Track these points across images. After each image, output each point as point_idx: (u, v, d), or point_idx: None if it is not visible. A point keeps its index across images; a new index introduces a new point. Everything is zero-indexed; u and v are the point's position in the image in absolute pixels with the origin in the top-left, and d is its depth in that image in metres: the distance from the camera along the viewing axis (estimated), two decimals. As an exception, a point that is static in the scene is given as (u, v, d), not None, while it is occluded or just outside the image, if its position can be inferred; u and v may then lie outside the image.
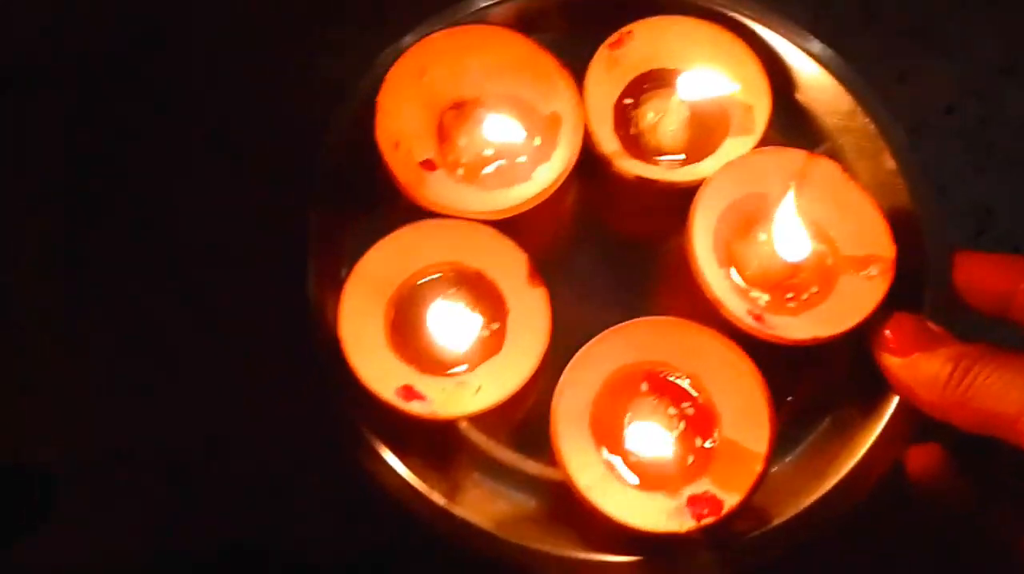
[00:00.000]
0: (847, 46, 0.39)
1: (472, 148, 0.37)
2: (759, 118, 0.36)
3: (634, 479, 0.32)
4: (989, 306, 0.33)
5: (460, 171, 0.37)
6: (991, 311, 0.33)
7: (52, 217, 0.43)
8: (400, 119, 0.36)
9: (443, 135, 0.37)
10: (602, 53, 0.37)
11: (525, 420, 0.35)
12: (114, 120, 0.44)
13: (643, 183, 0.35)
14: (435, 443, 0.34)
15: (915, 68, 0.44)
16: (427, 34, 0.37)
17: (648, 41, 0.37)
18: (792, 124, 0.38)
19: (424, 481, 0.33)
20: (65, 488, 0.39)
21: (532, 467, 0.34)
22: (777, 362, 0.33)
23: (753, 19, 0.38)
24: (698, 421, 0.33)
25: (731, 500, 0.31)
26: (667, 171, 0.36)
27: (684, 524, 0.31)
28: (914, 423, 0.33)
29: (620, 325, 0.33)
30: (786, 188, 0.35)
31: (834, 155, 0.37)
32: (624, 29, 0.37)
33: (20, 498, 0.40)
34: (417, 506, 0.32)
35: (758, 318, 0.33)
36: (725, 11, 0.38)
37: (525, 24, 0.38)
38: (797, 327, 0.33)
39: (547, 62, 0.37)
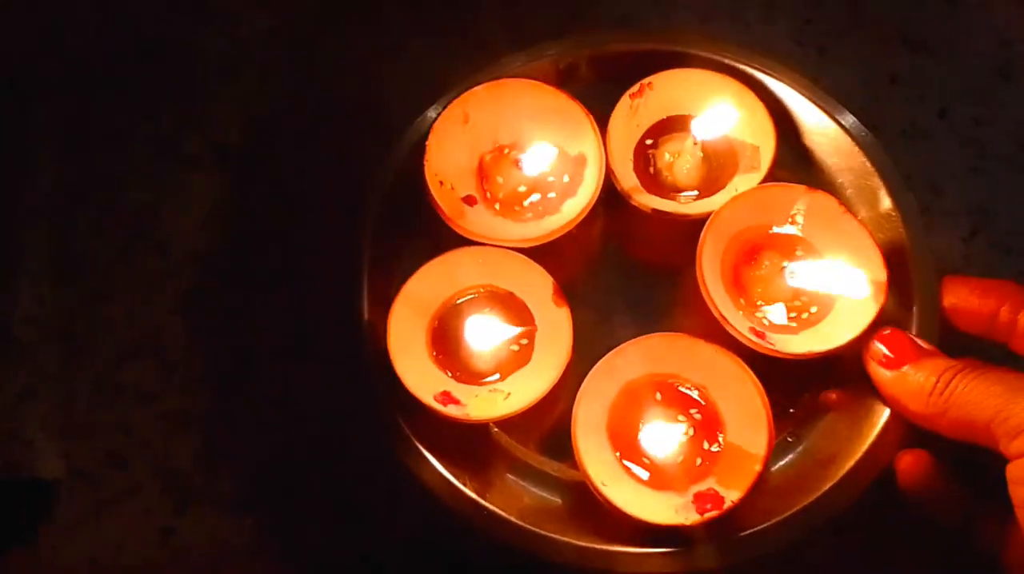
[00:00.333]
0: (836, 50, 0.40)
1: (508, 185, 0.42)
2: (764, 157, 0.40)
3: (646, 478, 0.35)
4: (975, 327, 0.36)
5: (497, 205, 0.41)
6: (977, 331, 0.36)
7: (51, 224, 0.44)
8: (445, 159, 0.41)
9: (483, 174, 0.42)
10: (624, 101, 0.41)
11: (550, 426, 0.38)
12: (115, 126, 0.45)
13: (659, 215, 0.39)
14: (469, 443, 0.38)
15: (907, 70, 0.45)
16: (471, 86, 0.42)
17: (665, 91, 0.41)
18: (796, 164, 0.41)
19: (458, 477, 0.36)
20: (62, 494, 0.40)
21: (554, 467, 0.38)
22: (780, 375, 0.36)
23: (760, 70, 0.41)
24: (705, 427, 0.36)
25: (732, 496, 0.34)
26: (680, 205, 0.40)
27: (689, 518, 0.34)
28: (904, 433, 0.35)
29: (635, 340, 0.37)
30: (787, 219, 0.38)
31: (834, 191, 0.40)
32: (644, 80, 0.41)
33: (18, 504, 0.40)
34: (452, 498, 0.36)
35: (760, 335, 0.36)
36: (735, 64, 0.42)
37: (557, 77, 0.42)
38: (796, 343, 0.36)
39: (575, 110, 0.41)
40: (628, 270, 0.41)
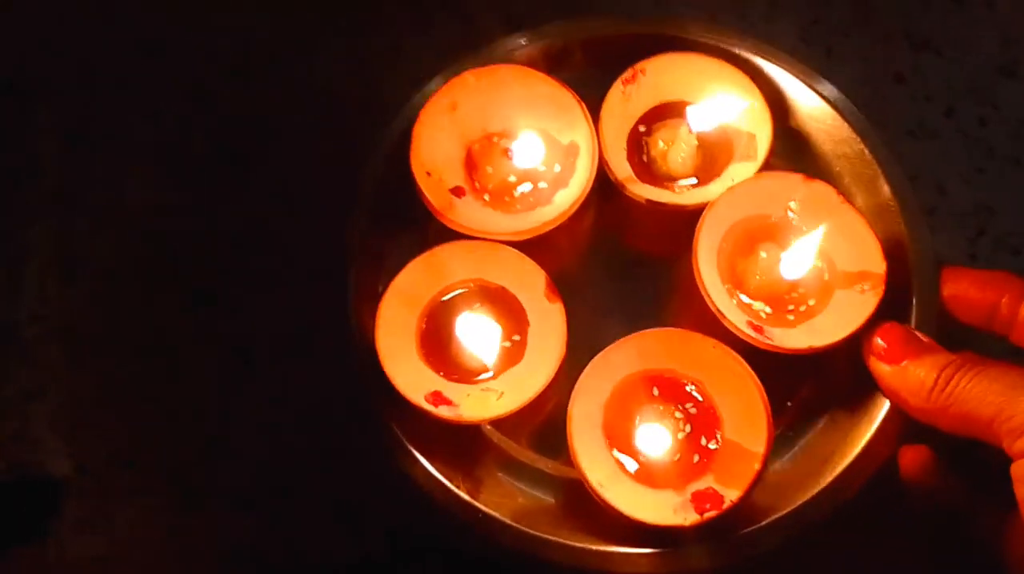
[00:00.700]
0: (843, 49, 0.40)
1: (497, 175, 0.40)
2: (761, 145, 0.39)
3: (643, 476, 0.35)
4: (974, 319, 0.35)
5: (486, 196, 0.40)
6: (977, 323, 0.35)
7: (54, 224, 0.44)
8: (433, 150, 0.39)
9: (471, 164, 0.41)
10: (617, 88, 0.40)
11: (543, 423, 0.37)
12: (115, 127, 0.45)
13: (653, 206, 0.38)
14: (461, 443, 0.37)
15: (913, 69, 0.44)
16: (458, 72, 0.40)
17: (659, 77, 0.40)
18: (792, 151, 0.40)
19: (451, 478, 0.35)
20: (69, 493, 0.40)
21: (549, 466, 0.37)
22: (778, 369, 0.36)
23: (756, 54, 0.40)
24: (702, 423, 0.36)
25: (731, 495, 0.33)
26: (675, 195, 0.39)
27: (688, 518, 0.33)
28: (903, 427, 0.35)
29: (630, 335, 0.36)
30: (784, 209, 0.38)
31: (831, 180, 0.39)
32: (637, 66, 0.40)
33: (26, 503, 0.40)
34: (445, 499, 0.35)
35: (758, 329, 0.36)
36: (730, 48, 0.41)
37: (547, 63, 0.41)
38: (794, 338, 0.35)
39: (566, 97, 0.40)
40: (622, 262, 0.40)
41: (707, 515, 0.33)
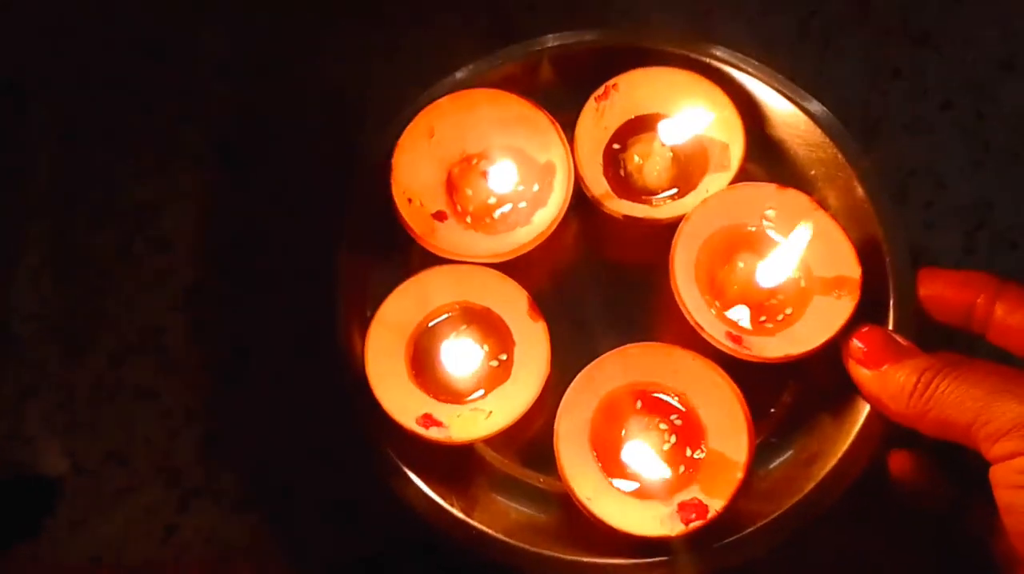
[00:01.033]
0: (840, 44, 0.39)
1: (478, 198, 0.41)
2: (734, 155, 0.39)
3: (630, 489, 0.36)
4: (952, 318, 0.35)
5: (468, 219, 0.41)
6: (954, 323, 0.36)
7: (50, 223, 0.43)
8: (413, 176, 0.40)
9: (452, 187, 0.41)
10: (590, 105, 0.41)
11: (532, 440, 0.38)
12: (111, 126, 0.45)
13: (630, 221, 0.39)
14: (453, 463, 0.38)
15: (910, 63, 0.44)
16: (434, 98, 0.41)
17: (631, 91, 0.41)
18: (768, 157, 0.41)
19: (444, 497, 0.36)
20: (64, 492, 0.40)
21: (540, 481, 0.38)
22: (760, 378, 0.36)
23: (727, 64, 0.41)
24: (687, 434, 0.36)
25: (716, 505, 0.34)
26: (651, 209, 0.39)
27: (675, 528, 0.34)
28: (885, 431, 0.35)
29: (613, 351, 0.37)
30: (760, 218, 0.38)
31: (807, 185, 0.40)
32: (609, 82, 0.41)
33: (21, 502, 0.40)
34: (439, 518, 0.36)
35: (736, 339, 0.36)
36: (701, 58, 0.41)
37: (520, 83, 0.41)
38: (772, 347, 0.36)
39: (540, 117, 0.40)
40: (603, 277, 0.41)
41: (692, 525, 0.34)
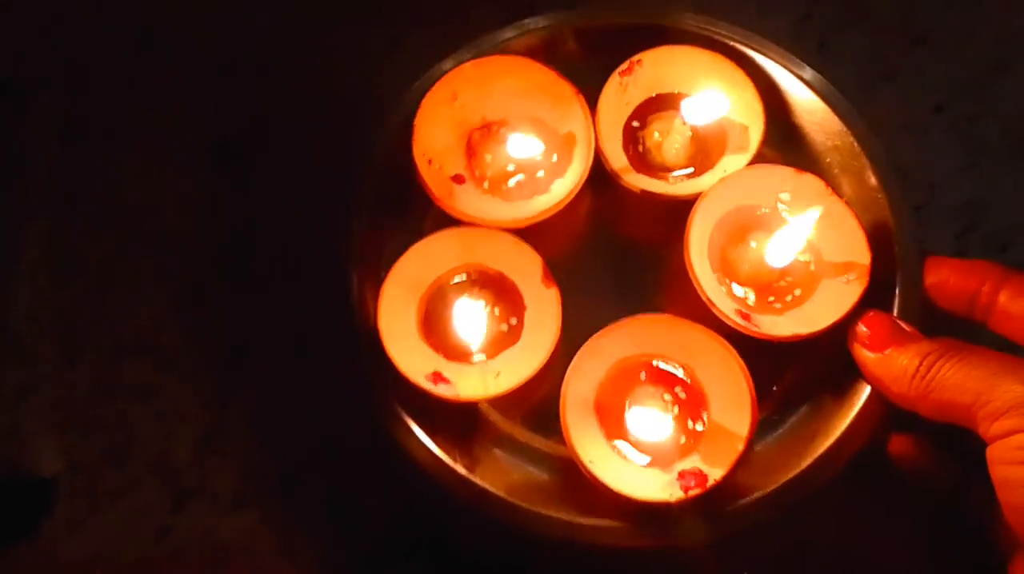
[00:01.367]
0: (836, 45, 0.40)
1: (496, 164, 0.42)
2: (753, 137, 0.40)
3: (632, 455, 0.36)
4: (956, 306, 0.36)
5: (486, 184, 0.41)
6: (958, 310, 0.36)
7: (48, 222, 0.44)
8: (433, 138, 0.41)
9: (471, 152, 0.42)
10: (613, 79, 0.41)
11: (538, 403, 0.38)
12: (111, 127, 0.45)
13: (647, 196, 0.39)
14: (459, 422, 0.38)
15: (904, 66, 0.45)
16: (459, 63, 0.41)
17: (655, 68, 0.41)
18: (785, 142, 0.41)
19: (449, 454, 0.37)
20: (61, 491, 0.40)
21: (543, 444, 0.38)
22: (765, 356, 0.37)
23: (750, 47, 0.41)
24: (690, 406, 0.37)
25: (715, 474, 0.35)
26: (668, 185, 0.40)
27: (674, 495, 0.35)
28: (884, 413, 0.36)
29: (623, 320, 0.37)
30: (775, 200, 0.39)
31: (822, 171, 0.40)
32: (634, 58, 0.41)
33: (18, 501, 0.40)
34: (443, 475, 0.37)
35: (745, 317, 0.37)
36: (725, 40, 0.42)
37: (546, 53, 0.42)
38: (780, 325, 0.37)
39: (564, 88, 0.41)
40: (617, 249, 0.42)
41: (691, 492, 0.35)
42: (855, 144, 0.40)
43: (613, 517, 0.36)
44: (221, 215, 0.45)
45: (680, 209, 0.39)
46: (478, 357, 0.38)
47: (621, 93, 0.42)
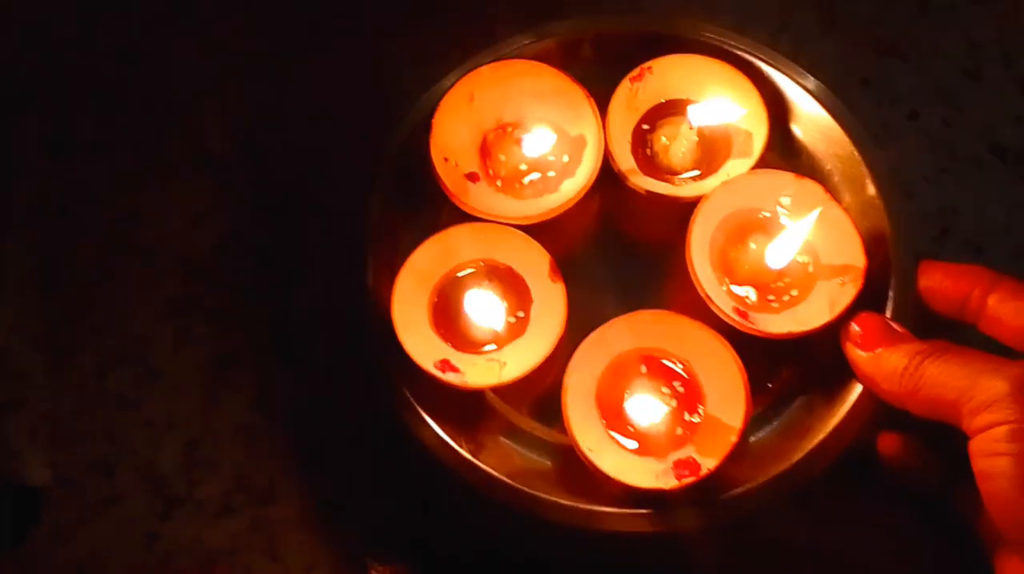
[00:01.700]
0: (810, 54, 0.41)
1: (510, 163, 0.43)
2: (757, 143, 0.41)
3: (630, 445, 0.38)
4: (948, 309, 0.37)
5: (499, 182, 0.43)
6: (949, 314, 0.38)
7: (34, 234, 0.44)
8: (450, 137, 0.42)
9: (486, 151, 0.44)
10: (624, 85, 0.43)
11: (543, 393, 0.40)
12: (96, 138, 0.46)
13: (653, 197, 0.41)
14: (466, 408, 0.40)
15: (878, 74, 0.46)
16: (477, 66, 0.43)
17: (664, 75, 0.43)
18: (787, 149, 0.43)
19: (455, 439, 0.38)
20: (49, 502, 0.41)
21: (546, 433, 0.40)
22: (762, 353, 0.38)
23: (757, 57, 0.43)
24: (687, 399, 0.38)
25: (709, 464, 0.36)
26: (673, 187, 0.42)
27: (668, 483, 0.36)
28: (875, 410, 0.37)
29: (625, 315, 0.39)
30: (775, 204, 0.40)
31: (822, 177, 0.42)
32: (644, 65, 0.43)
33: (5, 512, 0.41)
34: (449, 458, 0.38)
35: (743, 315, 0.38)
36: (732, 50, 0.43)
37: (560, 59, 0.43)
38: (776, 323, 0.38)
39: (576, 92, 0.42)
40: (622, 248, 0.43)
41: (685, 481, 0.36)
42: (855, 153, 0.41)
43: (610, 503, 0.37)
44: (206, 226, 0.45)
45: (684, 210, 0.40)
46: (486, 347, 0.40)
47: (632, 98, 0.43)
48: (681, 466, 0.37)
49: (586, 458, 0.37)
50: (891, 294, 0.39)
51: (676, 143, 0.43)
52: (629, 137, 0.43)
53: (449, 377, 0.39)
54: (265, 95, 0.47)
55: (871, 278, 0.38)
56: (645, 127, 0.43)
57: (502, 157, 0.44)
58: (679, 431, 0.38)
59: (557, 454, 0.40)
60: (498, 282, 0.41)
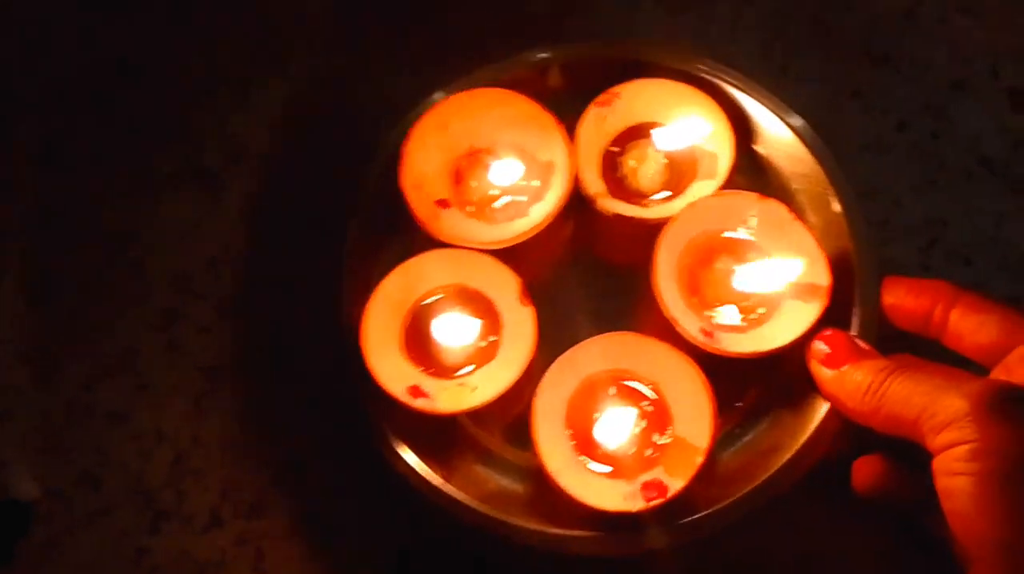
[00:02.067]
0: (800, 67, 0.41)
1: (481, 189, 0.44)
2: (722, 165, 0.42)
3: (599, 467, 0.38)
4: (912, 325, 0.38)
5: (470, 208, 0.44)
6: (913, 329, 0.38)
7: (26, 244, 0.44)
8: (422, 164, 0.43)
9: (457, 178, 0.44)
10: (592, 110, 0.43)
11: (515, 417, 0.40)
12: (91, 146, 0.46)
13: (621, 219, 0.41)
14: (438, 434, 0.40)
15: (867, 85, 0.46)
16: (449, 94, 0.44)
17: (632, 100, 0.43)
18: (754, 169, 0.43)
19: (426, 463, 0.38)
20: (38, 515, 0.40)
21: (518, 456, 0.40)
22: (730, 373, 0.39)
23: (722, 80, 0.43)
24: (655, 420, 0.38)
25: (676, 485, 0.36)
26: (640, 209, 0.42)
27: (636, 505, 0.36)
28: (840, 428, 0.37)
29: (594, 338, 0.39)
30: (741, 225, 0.41)
31: (789, 197, 0.42)
32: (612, 90, 0.43)
33: None
34: (420, 484, 0.38)
35: (709, 335, 0.38)
36: (699, 74, 0.44)
37: (529, 86, 0.44)
38: (743, 343, 0.38)
39: (546, 118, 0.43)
40: (592, 271, 0.44)
41: (653, 502, 0.36)
42: (819, 171, 0.41)
43: (580, 526, 0.37)
44: (197, 239, 0.46)
45: (653, 233, 0.41)
46: (459, 372, 0.40)
47: (599, 123, 0.44)
48: (649, 488, 0.37)
49: (553, 481, 0.37)
50: (856, 311, 0.39)
51: (644, 166, 0.43)
52: (598, 161, 0.44)
53: (419, 403, 0.39)
54: (261, 110, 0.48)
55: (835, 296, 0.38)
56: (615, 150, 0.44)
57: (473, 183, 0.44)
58: (648, 453, 0.38)
59: (529, 478, 0.40)
60: (468, 306, 0.41)
